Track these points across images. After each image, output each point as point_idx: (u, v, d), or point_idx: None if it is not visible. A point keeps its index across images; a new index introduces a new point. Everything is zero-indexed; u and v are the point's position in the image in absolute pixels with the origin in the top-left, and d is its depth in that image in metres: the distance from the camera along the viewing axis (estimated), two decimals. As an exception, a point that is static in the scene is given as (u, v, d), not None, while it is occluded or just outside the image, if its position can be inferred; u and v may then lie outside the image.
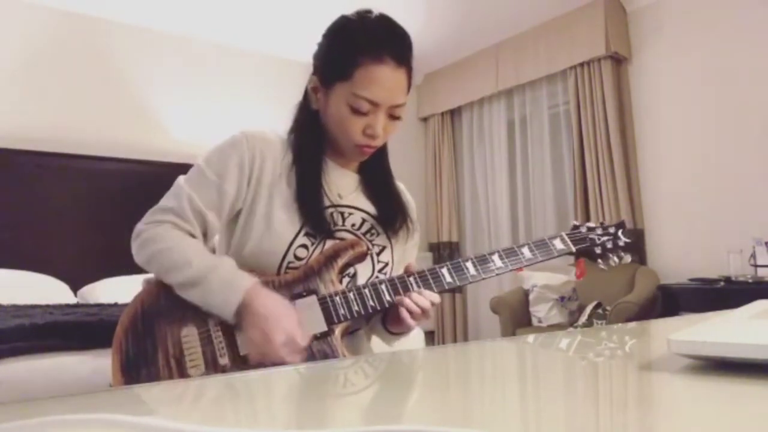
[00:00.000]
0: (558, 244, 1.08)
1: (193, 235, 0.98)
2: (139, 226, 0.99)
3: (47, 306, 2.45)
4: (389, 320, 1.04)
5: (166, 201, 1.00)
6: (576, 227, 1.14)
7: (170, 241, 0.95)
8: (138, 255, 0.97)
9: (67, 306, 2.52)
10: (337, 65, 0.98)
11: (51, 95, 3.55)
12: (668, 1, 3.62)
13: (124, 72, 3.83)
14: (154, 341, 0.92)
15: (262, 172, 1.01)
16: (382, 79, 0.96)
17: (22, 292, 2.69)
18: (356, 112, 0.98)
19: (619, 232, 1.14)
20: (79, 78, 3.65)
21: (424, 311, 0.97)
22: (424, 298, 0.97)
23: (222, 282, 0.91)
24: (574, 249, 1.09)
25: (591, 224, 1.14)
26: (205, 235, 1.01)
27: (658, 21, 3.67)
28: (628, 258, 1.13)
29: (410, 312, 0.96)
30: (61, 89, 3.59)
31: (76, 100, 3.63)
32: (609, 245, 1.12)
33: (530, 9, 3.99)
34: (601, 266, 1.13)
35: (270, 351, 0.88)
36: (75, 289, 3.12)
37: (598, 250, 1.11)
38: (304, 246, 0.99)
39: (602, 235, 1.12)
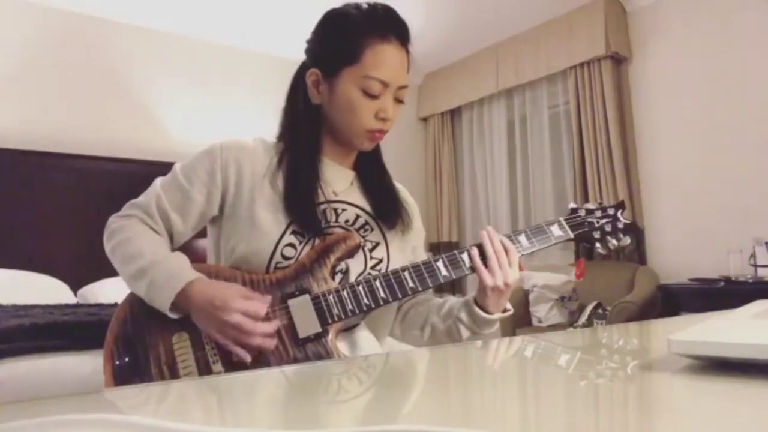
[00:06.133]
0: (556, 230, 1.05)
1: (157, 232, 0.99)
2: (111, 218, 1.01)
3: (47, 306, 2.45)
4: (480, 298, 1.00)
5: (140, 197, 1.02)
6: (574, 210, 1.10)
7: (130, 233, 0.96)
8: (105, 246, 0.99)
9: (67, 306, 2.52)
10: (342, 51, 0.98)
11: (51, 95, 3.55)
12: (668, 1, 3.62)
13: (124, 72, 3.83)
14: (145, 348, 0.91)
15: (240, 178, 1.00)
16: (390, 59, 0.98)
17: (22, 292, 2.69)
18: (367, 95, 0.98)
19: (619, 213, 1.10)
20: (79, 78, 3.65)
21: (508, 252, 0.97)
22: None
23: (167, 274, 0.90)
24: (572, 235, 1.06)
25: (590, 205, 1.11)
26: (171, 237, 1.01)
27: (658, 21, 3.67)
28: (627, 240, 1.08)
29: (489, 265, 0.95)
30: (61, 89, 3.58)
31: (76, 100, 3.63)
32: (608, 228, 1.08)
33: (530, 9, 3.99)
34: (600, 251, 1.09)
35: (232, 334, 0.86)
36: (75, 289, 3.12)
37: (596, 235, 1.08)
38: (292, 245, 0.98)
39: (601, 218, 1.09)
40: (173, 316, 0.90)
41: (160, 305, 0.89)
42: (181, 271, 0.91)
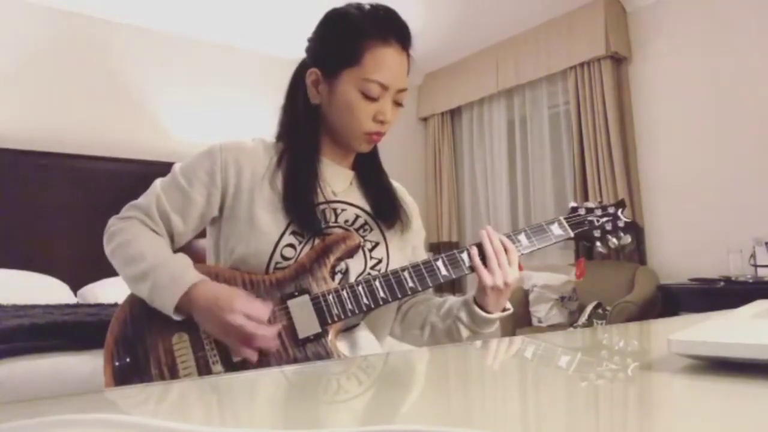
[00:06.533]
0: (556, 229, 1.05)
1: (157, 234, 0.99)
2: (111, 220, 1.01)
3: (47, 306, 2.45)
4: (479, 297, 1.00)
5: (140, 198, 1.01)
6: (574, 209, 1.10)
7: (131, 234, 0.95)
8: (105, 248, 0.98)
9: (67, 306, 2.52)
10: (343, 52, 0.98)
11: (51, 95, 3.55)
12: (668, 1, 3.62)
13: (124, 72, 3.83)
14: (145, 349, 0.91)
15: (239, 179, 1.00)
16: (391, 62, 0.98)
17: (22, 292, 2.69)
18: (367, 97, 0.98)
19: (619, 212, 1.10)
20: (79, 78, 3.65)
21: (507, 251, 0.97)
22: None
23: (170, 276, 0.90)
24: (572, 234, 1.06)
25: (590, 204, 1.11)
26: (172, 238, 1.01)
27: (658, 21, 3.67)
28: (627, 239, 1.08)
29: (488, 265, 0.95)
30: (61, 89, 3.58)
31: (76, 100, 3.63)
32: (608, 227, 1.08)
33: (530, 9, 3.99)
34: (600, 249, 1.09)
35: (236, 336, 0.86)
36: (75, 289, 3.12)
37: (597, 233, 1.07)
38: (291, 245, 0.98)
39: (601, 217, 1.08)
40: (177, 318, 0.90)
41: (163, 307, 0.89)
42: (184, 273, 0.91)
